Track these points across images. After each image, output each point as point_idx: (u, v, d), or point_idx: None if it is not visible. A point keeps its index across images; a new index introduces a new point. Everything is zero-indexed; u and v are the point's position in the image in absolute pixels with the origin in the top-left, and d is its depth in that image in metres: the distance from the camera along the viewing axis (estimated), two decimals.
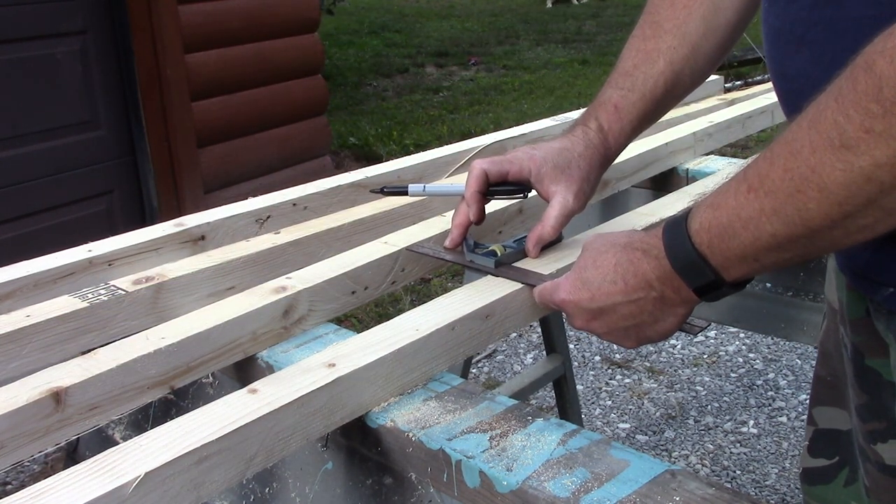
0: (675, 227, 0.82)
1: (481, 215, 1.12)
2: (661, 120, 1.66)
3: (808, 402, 1.15)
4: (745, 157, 1.62)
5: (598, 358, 3.31)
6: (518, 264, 1.11)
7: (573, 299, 0.92)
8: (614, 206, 1.76)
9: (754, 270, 0.80)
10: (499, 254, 1.11)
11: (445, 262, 1.18)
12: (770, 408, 2.94)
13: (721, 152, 1.88)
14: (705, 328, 0.99)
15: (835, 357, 1.03)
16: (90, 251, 1.13)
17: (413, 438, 0.85)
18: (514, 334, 3.44)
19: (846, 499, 1.07)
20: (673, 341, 3.40)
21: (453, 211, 1.24)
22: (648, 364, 3.25)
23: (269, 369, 0.99)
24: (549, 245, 1.17)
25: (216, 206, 1.29)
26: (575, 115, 1.84)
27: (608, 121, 1.12)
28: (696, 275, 0.81)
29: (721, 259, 0.79)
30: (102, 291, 1.04)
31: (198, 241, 1.21)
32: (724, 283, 0.81)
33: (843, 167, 0.66)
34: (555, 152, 1.10)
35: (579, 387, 2.99)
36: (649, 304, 0.87)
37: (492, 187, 1.11)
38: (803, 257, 0.77)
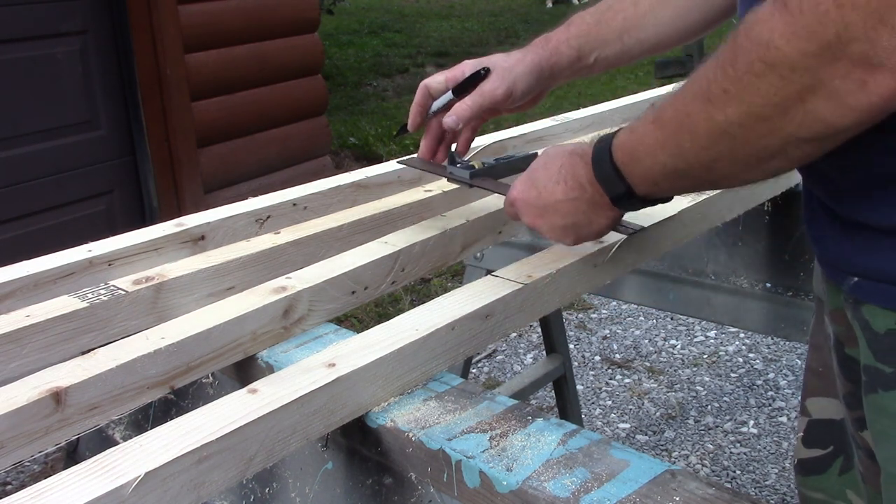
0: (603, 141, 0.93)
1: (418, 122, 1.22)
2: None
3: None
4: None
5: (598, 358, 3.31)
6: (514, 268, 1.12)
7: (523, 197, 1.03)
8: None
9: (660, 191, 0.92)
10: (476, 167, 1.21)
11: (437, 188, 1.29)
12: (770, 408, 2.95)
13: None
14: (637, 231, 1.10)
15: (824, 348, 1.05)
16: (90, 251, 1.13)
17: (413, 438, 0.85)
18: (514, 334, 3.44)
19: (841, 487, 1.08)
20: (673, 341, 3.40)
21: (453, 211, 1.30)
22: (648, 364, 3.25)
23: (269, 369, 0.99)
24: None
25: (216, 206, 1.29)
26: (575, 114, 1.84)
27: (556, 32, 1.20)
28: (612, 185, 0.93)
29: (631, 176, 0.90)
30: (102, 291, 1.04)
31: (198, 241, 1.21)
32: (636, 197, 0.92)
33: (706, 117, 0.76)
34: (489, 56, 1.19)
35: (579, 387, 2.99)
36: (583, 204, 0.97)
37: (455, 90, 1.18)
38: (696, 188, 0.92)
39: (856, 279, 0.83)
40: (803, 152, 0.74)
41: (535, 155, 1.23)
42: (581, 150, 0.98)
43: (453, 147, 1.24)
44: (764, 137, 0.74)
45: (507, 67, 1.15)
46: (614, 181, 0.92)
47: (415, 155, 1.30)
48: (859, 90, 0.66)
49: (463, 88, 1.17)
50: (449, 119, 1.15)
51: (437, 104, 1.21)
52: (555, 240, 1.04)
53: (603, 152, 0.92)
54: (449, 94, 1.19)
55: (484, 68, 1.15)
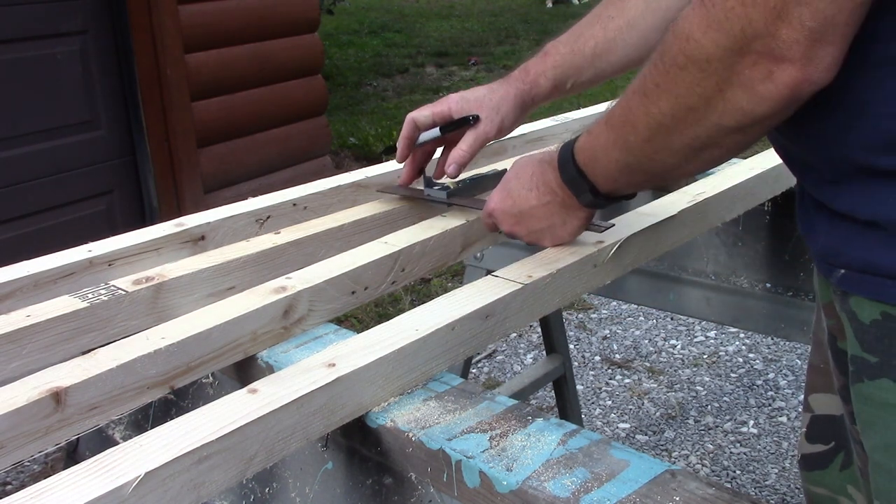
0: (567, 146, 1.00)
1: (405, 154, 1.30)
2: None
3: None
4: (744, 157, 1.62)
5: (598, 358, 3.31)
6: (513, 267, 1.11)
7: (500, 207, 1.10)
8: (614, 206, 1.76)
9: (619, 188, 0.98)
10: (451, 187, 1.29)
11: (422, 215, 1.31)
12: (770, 408, 2.95)
13: None
14: (609, 227, 1.15)
15: (825, 344, 1.05)
16: (90, 251, 1.13)
17: (413, 438, 0.85)
18: (514, 334, 3.44)
19: (842, 483, 1.09)
20: (673, 341, 3.40)
21: (453, 210, 1.31)
22: (648, 364, 3.25)
23: (269, 369, 0.99)
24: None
25: (216, 206, 1.29)
26: (574, 114, 1.84)
27: (533, 63, 1.27)
28: (578, 187, 1.00)
29: (593, 176, 0.97)
30: (102, 291, 1.04)
31: (198, 241, 1.21)
32: (601, 195, 0.99)
33: (644, 111, 0.82)
34: (473, 90, 1.27)
35: (579, 387, 2.99)
36: (556, 207, 1.05)
37: (442, 128, 1.26)
38: (650, 181, 0.99)
39: (843, 271, 0.84)
40: (733, 141, 0.80)
41: (504, 171, 1.29)
42: (549, 156, 1.04)
43: (428, 171, 1.32)
44: (693, 127, 0.79)
45: (493, 107, 1.23)
46: (579, 182, 0.99)
47: (389, 184, 1.39)
48: (767, 80, 0.72)
49: (451, 128, 1.24)
50: (450, 168, 1.24)
51: (423, 137, 1.27)
52: (533, 243, 1.11)
53: (567, 157, 0.99)
54: (436, 131, 1.26)
55: (473, 116, 1.22)
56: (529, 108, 1.27)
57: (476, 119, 1.22)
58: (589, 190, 0.99)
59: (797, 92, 0.72)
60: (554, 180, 1.03)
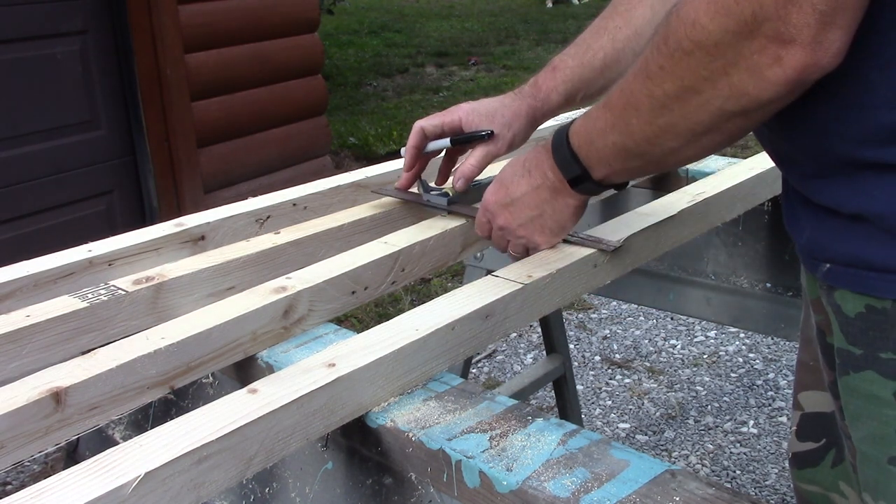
0: (563, 129, 1.00)
1: (412, 163, 1.30)
2: None
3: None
4: (745, 157, 1.62)
5: (598, 358, 3.31)
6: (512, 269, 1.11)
7: (493, 199, 1.10)
8: (614, 206, 1.76)
9: (613, 173, 0.97)
10: (450, 193, 1.28)
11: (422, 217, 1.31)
12: (770, 408, 2.95)
13: (721, 152, 1.88)
14: (617, 246, 1.13)
15: (814, 341, 1.05)
16: (90, 251, 1.13)
17: (413, 438, 0.85)
18: (514, 334, 3.44)
19: (834, 479, 1.09)
20: (673, 341, 3.40)
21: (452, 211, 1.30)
22: (648, 364, 3.25)
23: (269, 369, 0.99)
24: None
25: (216, 206, 1.29)
26: (575, 114, 1.83)
27: (543, 78, 1.26)
28: (569, 169, 1.00)
29: (587, 159, 0.97)
30: (102, 291, 1.04)
31: (198, 241, 1.22)
32: (592, 180, 0.99)
33: (648, 93, 0.83)
34: (485, 103, 1.26)
35: (579, 387, 2.99)
36: (546, 192, 1.04)
37: (453, 139, 1.25)
38: (645, 167, 0.97)
39: (828, 265, 0.85)
40: (735, 125, 0.80)
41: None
42: (543, 142, 1.04)
43: (425, 176, 1.31)
44: (698, 111, 0.80)
45: (505, 123, 1.23)
46: (571, 165, 0.99)
47: (386, 186, 1.39)
48: (775, 64, 0.72)
49: (463, 141, 1.24)
50: (459, 183, 1.24)
51: (432, 146, 1.27)
52: (528, 237, 1.10)
53: (561, 139, 0.99)
54: (446, 142, 1.26)
55: (487, 132, 1.22)
56: (539, 123, 1.27)
57: (490, 135, 1.22)
58: (581, 173, 0.99)
59: (804, 76, 0.73)
60: (546, 162, 1.02)
